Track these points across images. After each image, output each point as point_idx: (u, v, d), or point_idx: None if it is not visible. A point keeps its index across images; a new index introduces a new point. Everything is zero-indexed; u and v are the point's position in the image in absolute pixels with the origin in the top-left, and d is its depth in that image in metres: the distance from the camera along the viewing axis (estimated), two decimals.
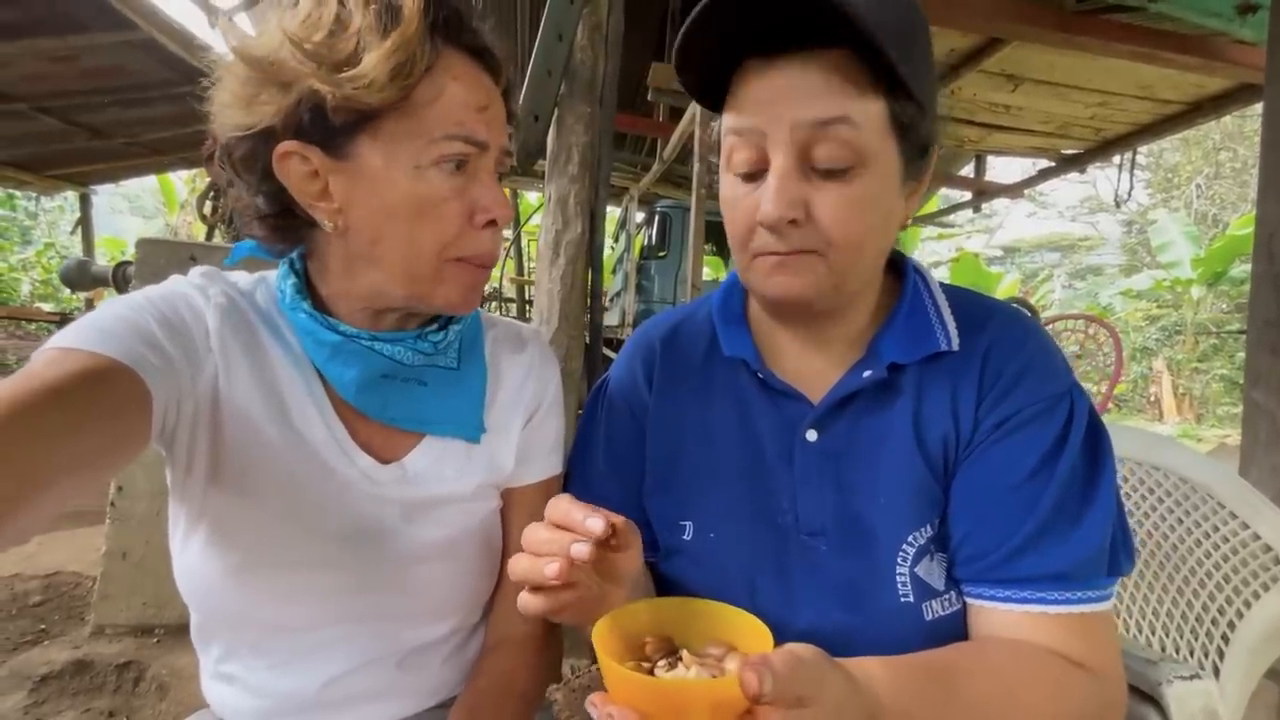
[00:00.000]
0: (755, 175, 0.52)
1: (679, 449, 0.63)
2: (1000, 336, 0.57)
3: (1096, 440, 0.53)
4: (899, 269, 0.63)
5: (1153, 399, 9.40)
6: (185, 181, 11.12)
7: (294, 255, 0.61)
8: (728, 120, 0.53)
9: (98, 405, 0.44)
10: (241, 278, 0.63)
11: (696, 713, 0.35)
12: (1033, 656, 0.49)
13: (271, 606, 0.57)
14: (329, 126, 0.51)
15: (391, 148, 0.52)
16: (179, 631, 1.73)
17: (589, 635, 0.41)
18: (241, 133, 0.52)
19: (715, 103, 0.55)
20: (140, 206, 18.21)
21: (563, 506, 0.43)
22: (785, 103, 0.49)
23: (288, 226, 0.57)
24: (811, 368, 0.61)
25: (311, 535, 0.57)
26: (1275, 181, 1.47)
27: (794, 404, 0.60)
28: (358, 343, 0.58)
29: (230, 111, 0.52)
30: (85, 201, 6.78)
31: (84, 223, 6.81)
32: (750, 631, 0.42)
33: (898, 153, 0.51)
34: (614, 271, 6.82)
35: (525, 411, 0.68)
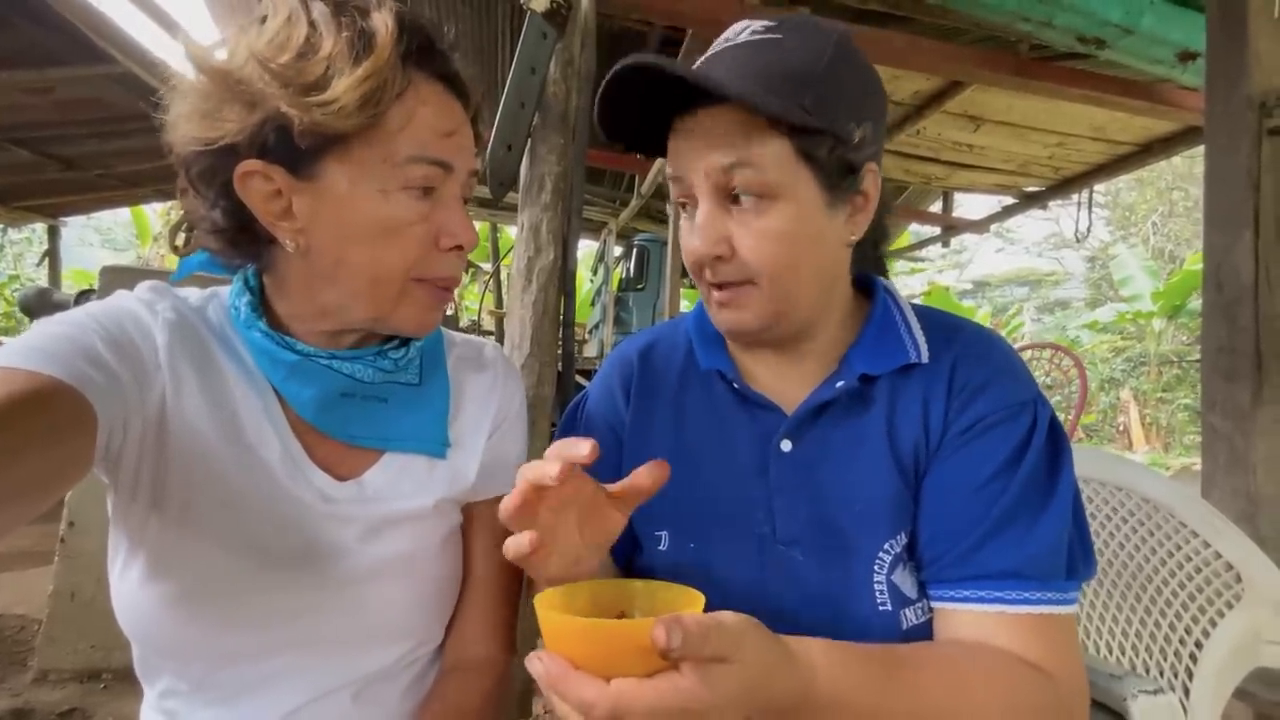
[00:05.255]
0: (694, 212, 0.57)
1: (656, 455, 0.63)
2: (968, 347, 0.59)
3: (1057, 448, 0.55)
4: (871, 289, 0.65)
5: (1121, 429, 9.60)
6: (160, 214, 10.99)
7: (249, 272, 0.61)
8: (666, 167, 0.59)
9: (38, 427, 0.42)
10: (192, 293, 0.61)
11: (623, 656, 0.35)
12: (986, 653, 0.49)
13: (216, 635, 0.54)
14: (294, 147, 0.51)
15: (358, 171, 0.52)
16: (128, 676, 1.64)
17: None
18: (201, 147, 0.51)
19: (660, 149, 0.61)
20: (112, 239, 17.95)
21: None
22: (695, 152, 0.54)
23: (245, 242, 0.56)
24: (785, 381, 0.62)
25: (261, 557, 0.55)
26: (1219, 215, 1.54)
27: (769, 415, 0.61)
28: (316, 362, 0.57)
29: (190, 125, 0.52)
30: (54, 233, 6.65)
31: (51, 255, 6.66)
32: (689, 604, 0.42)
33: (814, 180, 0.54)
34: (592, 304, 6.86)
35: (489, 425, 0.67)
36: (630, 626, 0.37)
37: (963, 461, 0.55)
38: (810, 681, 0.40)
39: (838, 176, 0.54)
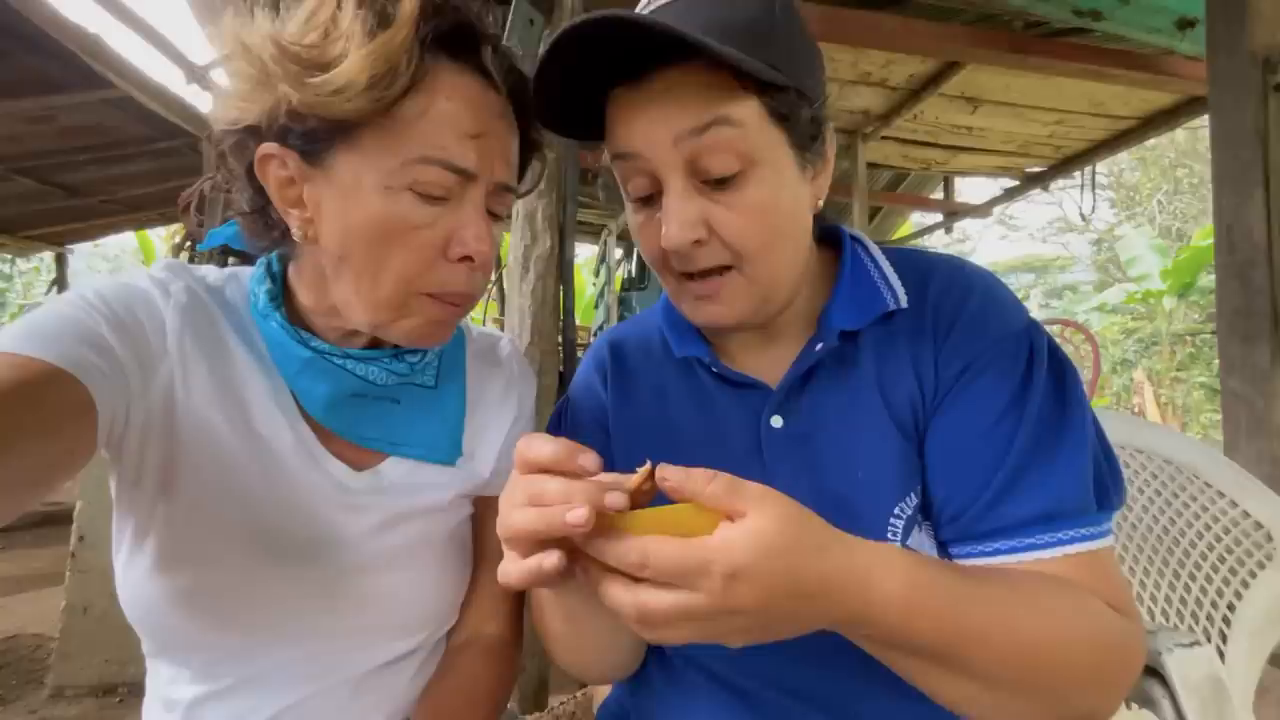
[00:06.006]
0: (653, 199, 0.52)
1: (645, 450, 0.61)
2: (947, 285, 0.56)
3: (1062, 375, 0.52)
4: (836, 240, 0.62)
5: (1136, 409, 9.48)
6: (164, 239, 11.10)
7: (273, 257, 0.59)
8: (610, 148, 0.53)
9: (33, 416, 0.40)
10: (211, 272, 0.60)
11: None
12: (1038, 574, 0.46)
13: (223, 630, 0.53)
14: (307, 133, 0.49)
15: (364, 163, 0.49)
16: (144, 689, 1.63)
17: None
18: (228, 126, 0.51)
19: (592, 132, 0.54)
20: (120, 266, 18.16)
21: (544, 446, 0.38)
22: (660, 120, 0.48)
23: (267, 226, 0.55)
24: (766, 356, 0.60)
25: (270, 546, 0.54)
26: (1228, 176, 1.51)
27: (754, 393, 0.58)
28: (329, 360, 0.56)
29: (224, 104, 0.51)
30: (61, 261, 6.73)
31: (59, 283, 6.74)
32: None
33: (786, 143, 0.50)
34: (596, 306, 6.85)
35: (506, 424, 0.66)
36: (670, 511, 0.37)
37: (965, 406, 0.51)
38: (866, 570, 0.38)
39: (808, 138, 0.51)
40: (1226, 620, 0.86)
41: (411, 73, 0.47)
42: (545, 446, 0.38)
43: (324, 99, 0.46)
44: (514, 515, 0.37)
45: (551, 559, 0.37)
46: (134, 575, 0.52)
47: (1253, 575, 0.86)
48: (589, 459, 0.38)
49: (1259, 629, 0.84)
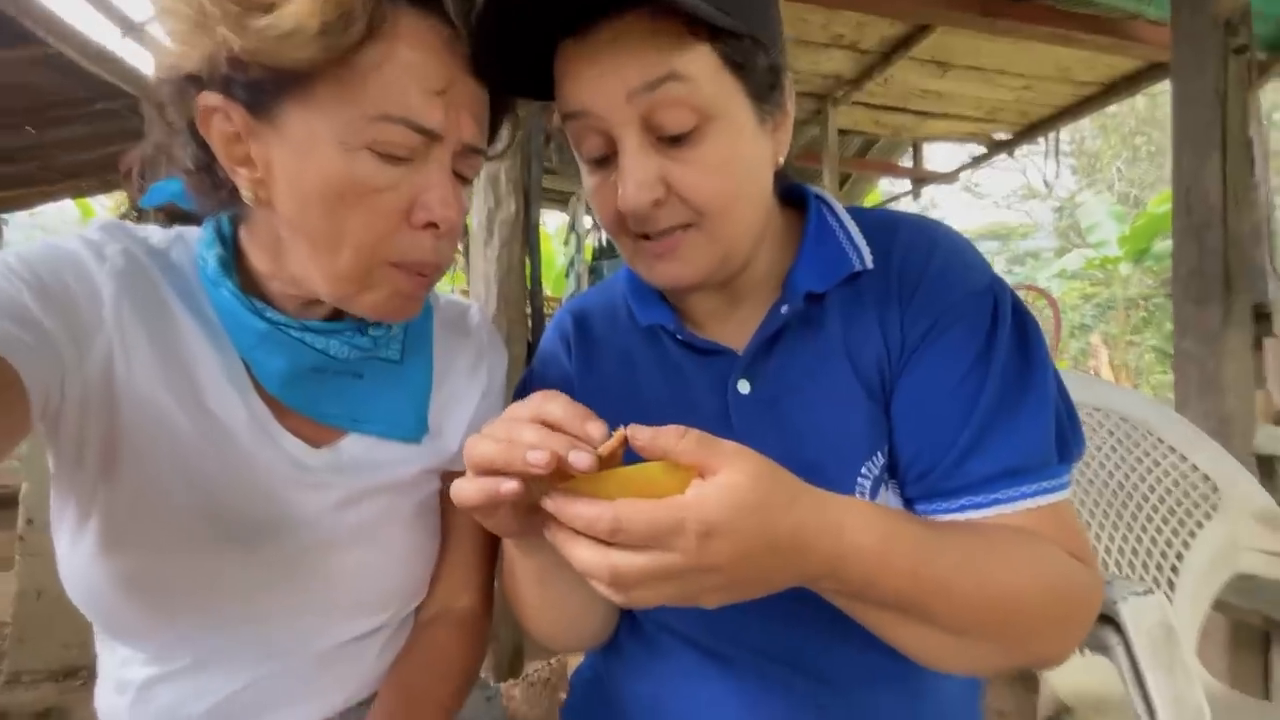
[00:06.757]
0: (607, 160, 0.50)
1: (611, 419, 0.60)
2: (910, 245, 0.55)
3: (1025, 331, 0.52)
4: (801, 200, 0.61)
5: (1093, 371, 9.84)
6: (110, 210, 10.55)
7: (223, 219, 0.54)
8: (561, 107, 0.50)
9: None
10: (154, 233, 0.55)
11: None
12: (1002, 525, 0.48)
13: (175, 615, 0.50)
14: (251, 83, 0.44)
15: (319, 118, 0.44)
16: None
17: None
18: (165, 73, 0.46)
19: (539, 89, 0.52)
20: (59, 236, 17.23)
21: (559, 405, 0.39)
22: (611, 72, 0.46)
23: (214, 185, 0.50)
24: (732, 321, 0.59)
25: (224, 529, 0.51)
26: (1188, 138, 1.53)
27: (721, 359, 0.57)
28: (286, 333, 0.52)
29: (160, 50, 0.46)
30: None
31: None
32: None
33: (743, 93, 0.48)
34: (567, 275, 6.78)
35: (476, 397, 0.63)
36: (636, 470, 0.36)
37: (930, 365, 0.51)
38: (838, 524, 0.39)
39: (766, 88, 0.49)
40: (1175, 569, 0.90)
41: (368, 17, 0.42)
42: (560, 407, 0.39)
43: (269, 44, 0.41)
44: (482, 444, 0.38)
45: (510, 485, 0.36)
46: (78, 560, 0.49)
47: (1200, 526, 0.90)
48: (596, 427, 0.38)
49: (1203, 576, 0.89)
